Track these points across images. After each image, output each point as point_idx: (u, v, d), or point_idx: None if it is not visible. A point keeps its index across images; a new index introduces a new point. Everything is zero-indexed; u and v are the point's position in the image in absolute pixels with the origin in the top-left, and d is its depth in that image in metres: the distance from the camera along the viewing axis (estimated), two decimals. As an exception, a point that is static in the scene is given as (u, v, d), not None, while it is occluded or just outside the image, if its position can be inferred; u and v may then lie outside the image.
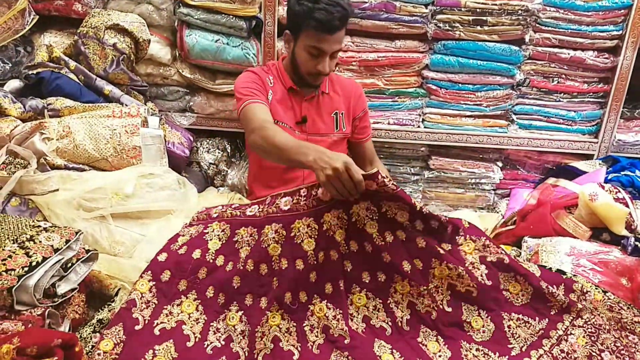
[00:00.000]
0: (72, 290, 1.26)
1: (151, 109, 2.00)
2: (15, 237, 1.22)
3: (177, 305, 1.29)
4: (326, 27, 1.61)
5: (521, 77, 2.24)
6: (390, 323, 1.28)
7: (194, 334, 1.25)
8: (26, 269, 1.13)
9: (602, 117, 2.29)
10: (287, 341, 1.23)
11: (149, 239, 1.56)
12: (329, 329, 1.25)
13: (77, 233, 1.29)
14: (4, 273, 1.10)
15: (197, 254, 1.33)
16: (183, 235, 1.39)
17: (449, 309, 1.29)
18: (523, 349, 1.25)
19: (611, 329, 1.26)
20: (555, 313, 1.29)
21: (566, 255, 1.60)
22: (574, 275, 1.44)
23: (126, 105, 1.90)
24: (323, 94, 1.86)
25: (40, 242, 1.21)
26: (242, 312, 1.28)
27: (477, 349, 1.25)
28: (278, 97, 1.81)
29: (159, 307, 1.27)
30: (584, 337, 1.26)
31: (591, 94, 2.28)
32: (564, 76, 2.25)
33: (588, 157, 2.32)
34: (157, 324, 1.25)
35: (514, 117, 2.32)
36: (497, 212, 2.33)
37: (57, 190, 1.55)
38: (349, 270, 1.30)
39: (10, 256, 1.15)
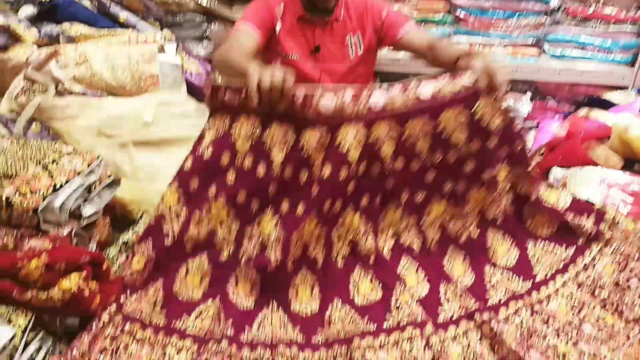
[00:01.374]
0: (97, 213, 1.26)
1: (167, 36, 1.94)
2: (38, 159, 1.21)
3: (207, 211, 1.19)
4: None
5: (556, 3, 2.11)
6: (420, 243, 1.27)
7: (227, 243, 1.19)
8: (50, 190, 1.13)
9: (639, 46, 2.16)
10: (314, 248, 1.21)
11: (171, 166, 1.54)
12: (357, 245, 1.23)
13: (98, 157, 1.28)
14: (28, 194, 1.10)
15: (225, 157, 1.18)
16: (209, 130, 1.19)
17: (477, 232, 1.28)
18: (547, 275, 1.23)
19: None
20: (583, 242, 1.27)
21: (596, 186, 1.56)
22: (603, 206, 1.40)
23: (142, 31, 1.85)
24: (337, 20, 1.76)
25: (63, 165, 1.21)
26: (278, 217, 1.18)
27: (502, 273, 1.24)
28: (288, 27, 1.71)
29: (189, 216, 1.18)
30: (611, 264, 1.23)
31: (629, 22, 2.14)
32: (601, 2, 2.11)
33: (623, 88, 2.21)
34: (188, 237, 1.18)
35: (546, 46, 2.20)
36: (524, 145, 2.26)
37: (77, 116, 1.53)
38: (389, 187, 1.24)
39: (34, 177, 1.15)
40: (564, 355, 1.04)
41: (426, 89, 1.18)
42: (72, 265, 0.97)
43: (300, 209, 1.17)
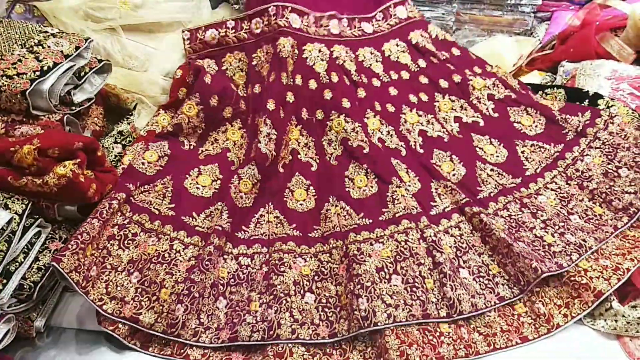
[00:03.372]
0: (89, 100, 1.23)
1: None
2: (23, 41, 1.15)
3: (223, 132, 1.31)
4: None
5: None
6: (404, 145, 1.30)
7: (238, 158, 1.27)
8: (38, 73, 1.08)
9: None
10: (306, 154, 1.26)
11: (163, 52, 1.48)
12: (347, 141, 1.25)
13: (86, 40, 1.22)
14: (15, 77, 1.06)
15: (232, 87, 1.35)
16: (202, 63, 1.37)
17: (460, 136, 1.31)
18: (537, 171, 1.25)
19: (631, 146, 1.22)
20: (572, 138, 1.28)
21: (606, 79, 1.50)
22: (611, 99, 1.37)
23: None
24: None
25: (49, 47, 1.15)
26: (266, 116, 1.27)
27: (492, 169, 1.25)
28: None
29: (205, 133, 1.30)
30: (600, 156, 1.23)
31: None
32: None
33: (646, -26, 2.06)
34: (203, 151, 1.28)
35: None
36: (535, 37, 2.15)
37: (62, -4, 1.44)
38: (360, 94, 1.33)
39: (20, 60, 1.10)
40: (549, 246, 1.06)
41: (367, 26, 1.47)
42: (65, 151, 0.95)
43: (281, 112, 1.29)
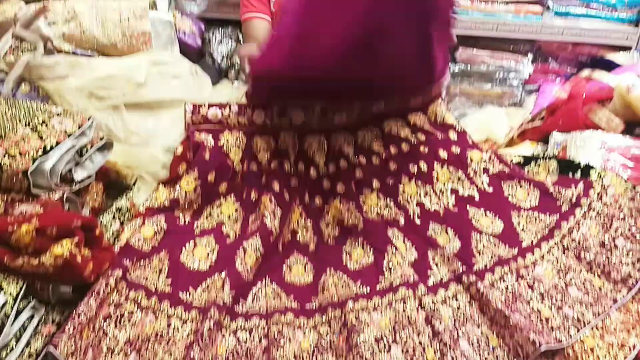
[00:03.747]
0: (89, 177, 1.24)
1: (159, -8, 1.87)
2: (27, 120, 1.18)
3: (217, 207, 1.32)
4: None
5: (562, -43, 2.04)
6: (403, 216, 1.31)
7: (234, 231, 1.28)
8: (40, 152, 1.10)
9: (645, 4, 2.11)
10: (304, 236, 1.28)
11: (164, 128, 1.52)
12: (343, 221, 1.28)
13: (89, 119, 1.25)
14: (18, 156, 1.08)
15: (228, 163, 1.37)
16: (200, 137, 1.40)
17: (455, 209, 1.31)
18: (534, 242, 1.25)
19: (626, 216, 1.23)
20: (567, 210, 1.29)
21: (596, 150, 1.54)
22: (603, 170, 1.39)
23: (133, -13, 1.78)
24: None
25: (53, 126, 1.18)
26: (273, 196, 1.30)
27: (488, 240, 1.25)
28: None
29: (200, 207, 1.31)
30: (596, 226, 1.24)
31: (637, -23, 2.08)
32: (608, -43, 2.05)
33: (626, 49, 2.16)
34: (198, 225, 1.29)
35: (550, 3, 2.14)
36: (525, 109, 2.23)
37: (67, 76, 1.49)
38: (358, 176, 1.35)
39: (23, 139, 1.12)
40: (547, 320, 1.04)
41: None
42: (63, 230, 0.95)
43: (286, 195, 1.32)
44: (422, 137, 1.42)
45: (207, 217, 1.30)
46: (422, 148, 1.39)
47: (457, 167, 1.37)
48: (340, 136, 1.41)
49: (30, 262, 0.92)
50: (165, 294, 1.11)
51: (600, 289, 1.12)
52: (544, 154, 1.67)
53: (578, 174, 1.41)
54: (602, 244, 1.20)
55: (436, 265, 1.19)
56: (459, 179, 1.35)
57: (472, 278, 1.12)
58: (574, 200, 1.30)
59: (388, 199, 1.33)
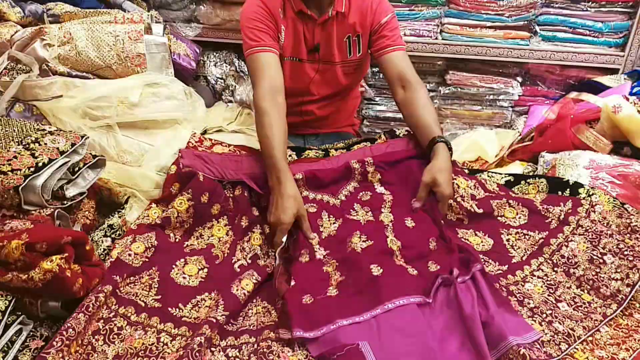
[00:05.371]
0: (81, 194, 1.25)
1: (154, 16, 1.91)
2: (20, 139, 1.19)
3: (209, 228, 1.33)
4: None
5: (547, -16, 2.09)
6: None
7: (222, 252, 1.29)
8: (32, 169, 1.11)
9: (630, 28, 2.16)
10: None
11: (157, 148, 1.53)
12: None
13: (82, 137, 1.26)
14: (9, 172, 1.09)
15: (221, 187, 1.39)
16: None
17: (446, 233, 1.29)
18: (523, 258, 1.26)
19: (614, 233, 1.24)
20: (555, 227, 1.30)
21: (585, 169, 1.55)
22: (592, 188, 1.41)
23: (128, 11, 1.82)
24: (338, 15, 1.66)
25: (45, 144, 1.19)
26: (264, 236, 1.31)
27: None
28: (290, 28, 1.62)
29: (192, 227, 1.32)
30: (584, 242, 1.24)
31: (620, 3, 2.13)
32: (592, -16, 2.10)
33: (613, 71, 2.21)
34: (188, 245, 1.29)
35: (537, 28, 2.19)
36: (515, 130, 2.26)
37: (61, 96, 1.51)
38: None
39: (15, 157, 1.13)
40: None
41: None
42: (53, 245, 0.95)
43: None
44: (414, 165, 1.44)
45: (197, 238, 1.31)
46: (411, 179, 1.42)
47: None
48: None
49: (19, 277, 0.92)
50: (155, 309, 1.10)
51: (589, 304, 1.12)
52: (533, 173, 1.69)
53: (567, 192, 1.42)
54: (591, 260, 1.20)
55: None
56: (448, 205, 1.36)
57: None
58: (562, 217, 1.31)
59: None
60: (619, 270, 1.16)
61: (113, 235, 1.27)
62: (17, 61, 1.56)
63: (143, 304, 1.10)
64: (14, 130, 1.21)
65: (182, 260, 1.24)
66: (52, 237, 0.96)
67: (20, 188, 1.07)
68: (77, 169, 1.23)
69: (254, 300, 1.18)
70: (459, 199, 1.36)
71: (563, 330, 1.04)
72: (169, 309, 1.11)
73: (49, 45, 1.61)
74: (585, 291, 1.15)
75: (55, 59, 1.60)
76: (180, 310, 1.11)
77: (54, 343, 0.91)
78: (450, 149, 1.43)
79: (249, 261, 1.27)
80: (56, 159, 1.16)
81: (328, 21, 1.62)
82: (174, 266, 1.21)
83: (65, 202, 1.19)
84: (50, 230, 1.01)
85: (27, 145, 1.16)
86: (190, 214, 1.31)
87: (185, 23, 2.18)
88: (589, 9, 2.14)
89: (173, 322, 1.08)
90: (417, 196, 1.36)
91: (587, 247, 1.23)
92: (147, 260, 1.20)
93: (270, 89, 1.46)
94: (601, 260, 1.19)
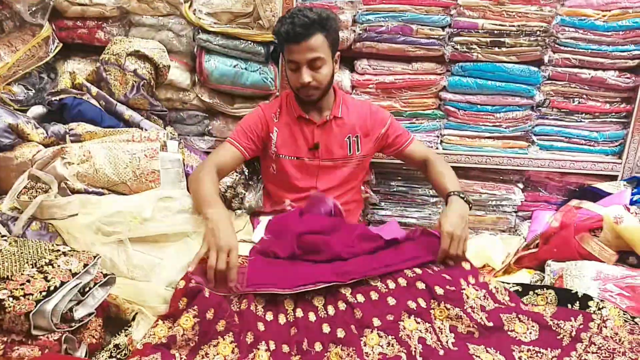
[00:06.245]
0: (89, 314, 1.26)
1: (170, 133, 2.02)
2: (35, 261, 1.22)
3: (214, 346, 1.31)
4: (291, 37, 1.67)
5: (541, 97, 2.21)
6: (405, 351, 1.28)
7: None
8: (44, 293, 1.13)
9: (625, 137, 2.25)
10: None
11: (167, 262, 1.55)
12: None
13: (95, 257, 1.29)
14: (22, 297, 1.11)
15: (227, 301, 1.40)
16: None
17: (455, 348, 1.30)
18: None
19: (627, 350, 1.22)
20: (567, 343, 1.28)
21: (592, 280, 1.56)
22: (601, 301, 1.40)
23: (146, 129, 1.93)
24: (336, 119, 1.86)
25: (59, 266, 1.22)
26: (269, 353, 1.30)
27: None
28: (286, 130, 1.86)
29: (197, 346, 1.30)
30: None
31: (613, 114, 2.24)
32: (585, 96, 2.22)
33: (612, 178, 2.27)
34: None
35: (534, 138, 2.29)
36: (519, 235, 2.28)
37: (77, 214, 1.56)
38: (359, 317, 1.35)
39: (28, 280, 1.15)
40: None
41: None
42: (59, 375, 0.95)
43: (285, 347, 1.32)
44: (419, 271, 1.46)
45: (202, 357, 1.28)
46: (418, 284, 1.42)
47: (454, 305, 1.37)
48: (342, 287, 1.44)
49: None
50: None
51: None
52: (541, 283, 1.69)
53: (577, 305, 1.41)
54: None
55: None
56: (457, 315, 1.35)
57: None
58: (574, 334, 1.29)
59: (389, 337, 1.32)
60: None
61: (119, 356, 1.26)
62: (36, 180, 1.64)
63: None
64: (29, 252, 1.25)
65: None
66: (58, 367, 0.96)
67: (31, 314, 1.08)
68: (87, 289, 1.25)
69: None
70: (469, 310, 1.36)
71: None
72: None
73: (69, 163, 1.69)
74: None
75: (73, 176, 1.68)
76: None
77: None
78: (467, 202, 1.64)
79: None
80: (68, 281, 1.18)
81: (327, 124, 1.84)
82: None
83: (73, 324, 1.19)
84: (57, 358, 1.01)
85: (41, 268, 1.19)
86: (195, 331, 1.30)
87: (198, 137, 2.30)
88: (583, 119, 2.25)
89: None
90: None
91: None
92: None
93: (215, 166, 1.75)
94: None
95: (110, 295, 1.38)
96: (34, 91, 1.99)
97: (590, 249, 1.70)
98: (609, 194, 2.09)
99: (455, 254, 1.49)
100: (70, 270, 1.22)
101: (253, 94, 2.21)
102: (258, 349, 1.30)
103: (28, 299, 1.10)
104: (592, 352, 1.24)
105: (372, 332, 1.32)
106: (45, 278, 1.17)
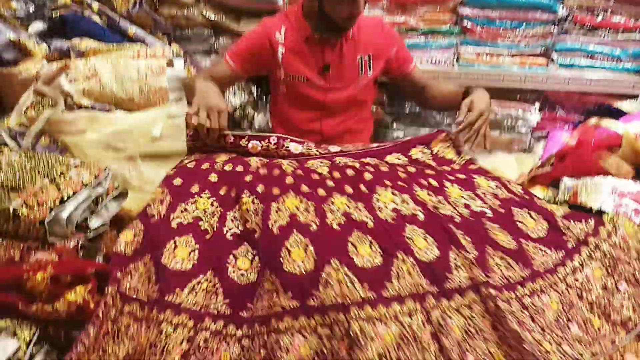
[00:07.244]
0: (104, 225, 1.27)
1: (176, 50, 1.96)
2: (46, 172, 1.21)
3: (192, 203, 1.28)
4: None
5: (564, 12, 2.10)
6: (422, 210, 1.24)
7: (211, 226, 1.23)
8: (57, 202, 1.13)
9: (649, 54, 2.15)
10: (305, 217, 1.20)
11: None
12: (350, 214, 1.22)
13: (105, 169, 1.28)
14: (36, 206, 1.11)
15: (205, 165, 1.40)
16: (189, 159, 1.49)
17: (472, 219, 1.26)
18: (540, 270, 1.18)
19: (633, 260, 1.20)
20: (573, 247, 1.24)
21: (608, 195, 1.53)
22: (615, 215, 1.38)
23: (151, 46, 1.87)
24: (347, 40, 1.77)
25: (70, 177, 1.21)
26: (255, 196, 1.26)
27: (501, 258, 1.17)
28: (294, 49, 1.77)
29: (174, 204, 1.27)
30: (600, 268, 1.20)
31: (638, 30, 2.13)
32: (609, 11, 2.10)
33: (633, 97, 2.19)
34: (173, 218, 1.23)
35: (554, 55, 2.20)
36: (534, 154, 2.24)
37: (85, 130, 1.54)
38: (368, 178, 1.33)
39: (41, 190, 1.15)
40: (547, 352, 1.00)
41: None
42: (77, 277, 0.97)
43: (275, 190, 1.28)
44: (431, 162, 1.47)
45: (182, 212, 1.25)
46: (427, 171, 1.41)
47: (466, 188, 1.35)
48: (344, 158, 1.45)
49: (44, 308, 0.93)
50: (153, 300, 1.06)
51: (599, 329, 1.09)
52: (555, 199, 1.67)
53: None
54: (605, 287, 1.17)
55: (457, 268, 1.11)
56: (469, 196, 1.33)
57: (492, 291, 1.06)
58: (582, 237, 1.25)
59: (404, 195, 1.28)
60: (632, 299, 1.14)
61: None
62: (42, 95, 1.61)
63: (146, 299, 1.08)
64: (41, 164, 1.24)
65: (172, 243, 1.17)
66: (76, 270, 0.97)
67: (46, 221, 1.09)
68: (100, 200, 1.25)
69: (264, 274, 1.11)
70: (481, 194, 1.34)
71: (571, 354, 1.01)
72: (166, 296, 1.07)
73: (74, 79, 1.66)
74: (596, 316, 1.12)
75: (79, 93, 1.64)
76: (178, 296, 1.07)
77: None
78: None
79: (241, 229, 1.22)
80: (80, 191, 1.18)
81: (338, 44, 1.76)
82: (164, 250, 1.16)
83: (89, 232, 1.21)
84: (74, 262, 1.02)
85: (53, 179, 1.19)
86: (166, 193, 1.30)
87: (204, 55, 2.24)
88: (606, 36, 2.15)
89: (172, 309, 1.04)
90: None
91: (602, 275, 1.19)
92: (138, 246, 1.17)
93: (210, 77, 1.75)
94: (615, 288, 1.16)
95: (124, 208, 1.38)
96: (34, 6, 1.92)
97: (607, 166, 1.66)
98: (627, 113, 2.03)
99: (478, 131, 1.50)
100: (82, 181, 1.21)
101: (260, 9, 2.11)
102: (242, 198, 1.27)
103: (42, 207, 1.11)
104: (596, 259, 1.21)
105: (385, 190, 1.29)
106: (58, 188, 1.17)
